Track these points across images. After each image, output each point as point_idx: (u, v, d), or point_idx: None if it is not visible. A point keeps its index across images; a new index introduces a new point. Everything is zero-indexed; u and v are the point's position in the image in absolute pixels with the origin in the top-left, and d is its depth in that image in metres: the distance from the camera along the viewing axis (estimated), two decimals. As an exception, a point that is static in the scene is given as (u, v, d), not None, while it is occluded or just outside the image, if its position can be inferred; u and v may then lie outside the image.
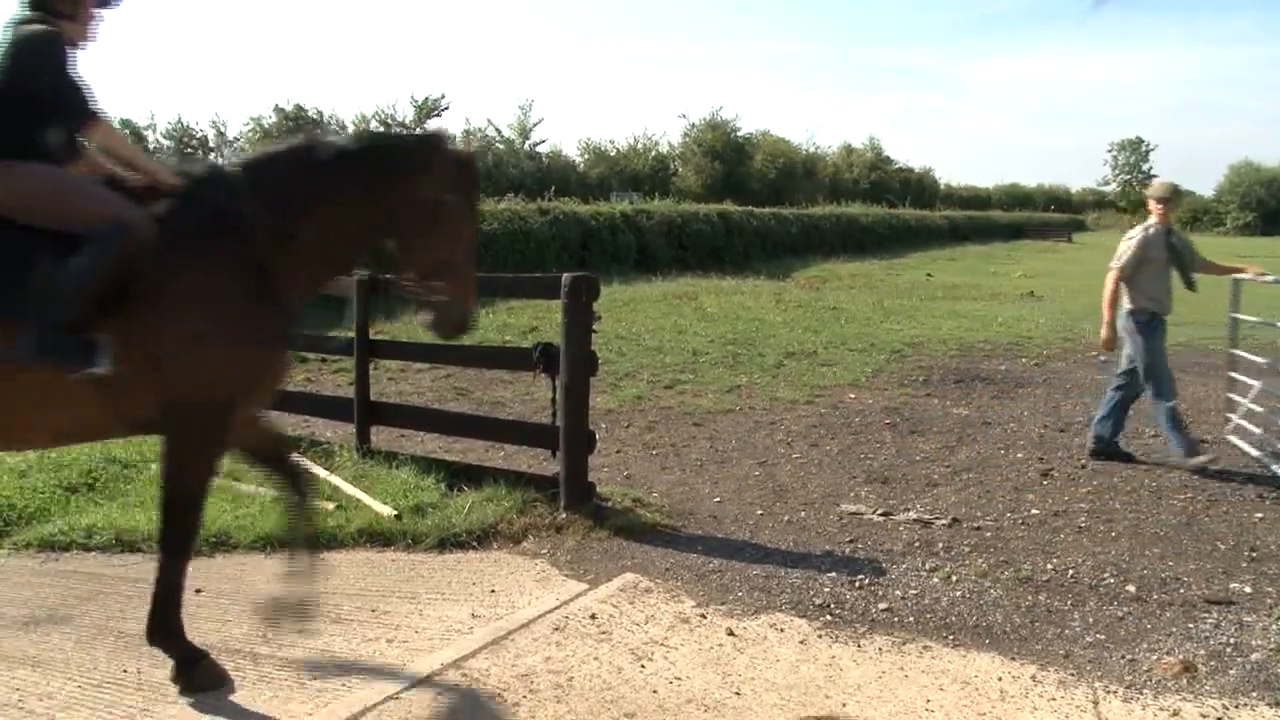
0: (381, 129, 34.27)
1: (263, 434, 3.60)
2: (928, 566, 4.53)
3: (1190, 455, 6.08)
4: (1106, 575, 4.43)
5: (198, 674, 3.31)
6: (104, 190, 3.24)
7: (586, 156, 42.56)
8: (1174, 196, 6.52)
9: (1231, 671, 3.51)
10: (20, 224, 3.04)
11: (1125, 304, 6.28)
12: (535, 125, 39.44)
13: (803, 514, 5.31)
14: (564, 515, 5.06)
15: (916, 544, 4.84)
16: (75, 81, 3.19)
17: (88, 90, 3.22)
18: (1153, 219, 6.37)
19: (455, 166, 3.54)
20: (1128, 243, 6.31)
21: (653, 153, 43.92)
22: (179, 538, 3.33)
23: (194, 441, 3.27)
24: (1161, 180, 6.97)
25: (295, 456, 3.88)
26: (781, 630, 3.84)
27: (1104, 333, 6.39)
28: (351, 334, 6.34)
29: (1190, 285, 6.43)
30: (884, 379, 9.35)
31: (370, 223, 3.48)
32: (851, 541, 4.88)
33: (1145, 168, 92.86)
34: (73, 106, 3.19)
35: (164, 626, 3.32)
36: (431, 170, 3.45)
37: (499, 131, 38.27)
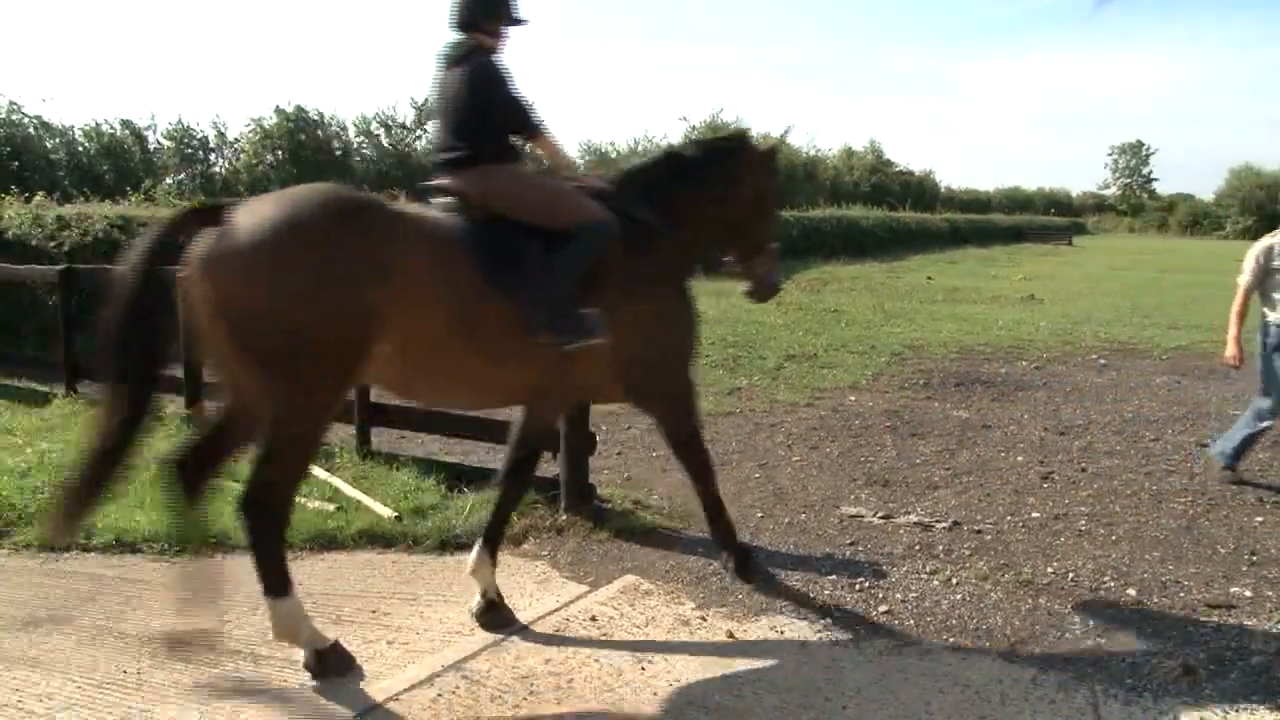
0: (381, 130, 34.29)
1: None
2: (928, 569, 4.53)
3: (1228, 467, 5.96)
4: (1107, 579, 4.43)
5: (752, 568, 4.33)
6: (580, 194, 3.86)
7: (587, 159, 42.57)
8: None
9: (1232, 675, 3.51)
10: (510, 221, 3.62)
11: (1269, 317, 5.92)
12: (536, 127, 39.44)
13: (803, 516, 5.31)
14: (564, 517, 5.06)
15: (917, 547, 4.84)
16: (523, 98, 3.80)
17: (532, 105, 3.82)
18: None
19: (766, 158, 4.35)
20: (1250, 254, 5.95)
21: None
22: (701, 463, 4.24)
23: (668, 392, 4.09)
24: None
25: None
26: (782, 632, 3.84)
27: (1229, 350, 6.16)
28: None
29: None
30: (884, 382, 9.35)
31: (724, 216, 4.22)
32: (852, 544, 4.88)
33: (1145, 171, 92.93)
34: (524, 120, 3.82)
35: (726, 534, 4.33)
36: (755, 164, 4.27)
37: (500, 133, 38.23)
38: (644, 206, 3.95)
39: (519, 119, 3.80)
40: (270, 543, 3.32)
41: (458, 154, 3.71)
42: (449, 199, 3.73)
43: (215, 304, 3.10)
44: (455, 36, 3.80)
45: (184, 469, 3.45)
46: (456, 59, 3.78)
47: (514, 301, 3.49)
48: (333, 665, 3.37)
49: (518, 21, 3.88)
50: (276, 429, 3.23)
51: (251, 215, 3.13)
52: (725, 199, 4.17)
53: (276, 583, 3.31)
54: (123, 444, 3.15)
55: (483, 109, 3.70)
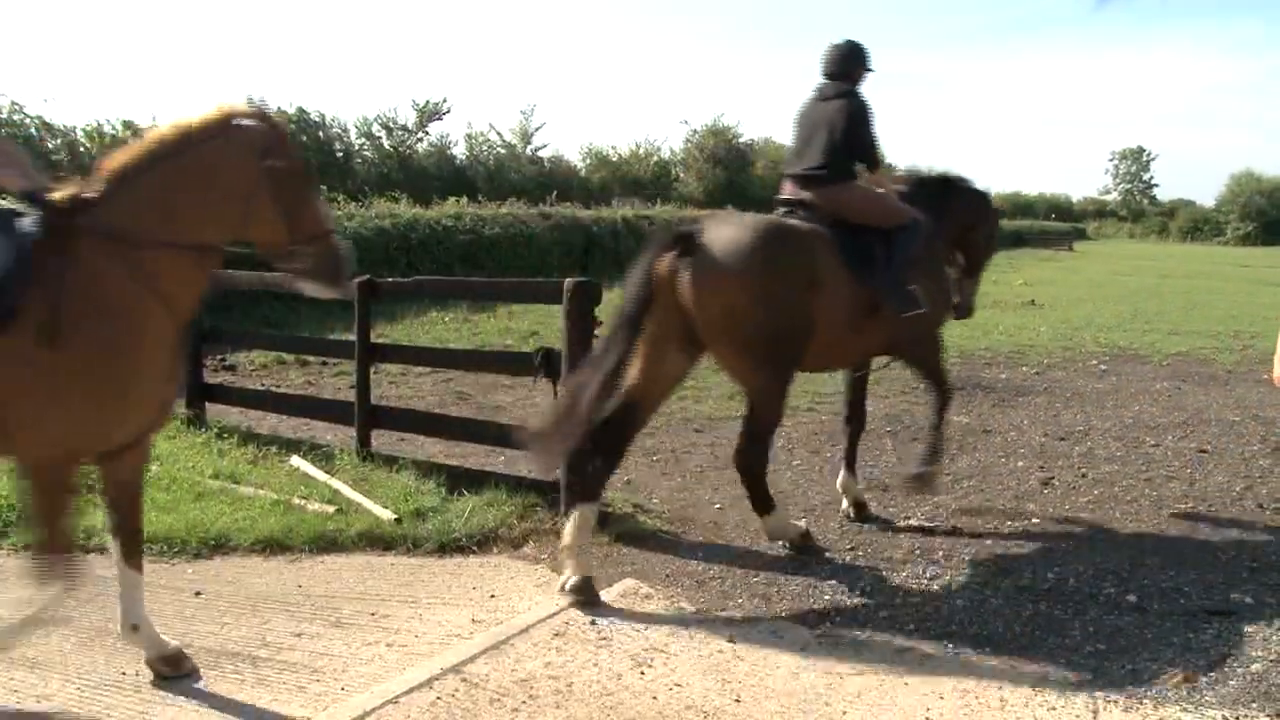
0: (382, 132, 34.29)
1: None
2: (928, 574, 4.52)
3: None
4: (1107, 585, 4.42)
5: (928, 485, 5.29)
6: (899, 200, 4.97)
7: (588, 162, 42.55)
8: None
9: (1232, 682, 3.50)
10: (856, 224, 4.72)
11: None
12: (537, 130, 39.43)
13: (803, 521, 5.30)
14: (565, 520, 5.04)
15: (917, 552, 4.84)
16: (877, 136, 4.91)
17: (879, 142, 4.94)
18: None
19: (995, 214, 5.88)
20: None
21: (654, 159, 43.87)
22: (945, 397, 5.34)
23: (936, 347, 5.30)
24: None
25: None
26: (781, 637, 3.84)
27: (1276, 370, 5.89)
28: (353, 337, 6.33)
29: None
30: (884, 386, 9.33)
31: (968, 238, 5.50)
32: (852, 549, 4.88)
33: (1146, 177, 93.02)
34: (874, 154, 4.93)
35: (933, 451, 5.31)
36: (993, 213, 5.81)
37: (501, 136, 38.25)
38: (931, 210, 5.02)
39: (871, 152, 4.91)
40: (762, 474, 4.68)
41: (820, 171, 4.77)
42: (798, 206, 4.85)
43: (710, 306, 4.21)
44: (827, 80, 4.97)
45: (602, 438, 4.29)
46: (831, 96, 4.87)
47: (870, 286, 4.64)
48: (810, 549, 4.75)
49: (871, 71, 5.04)
50: (757, 396, 4.55)
51: (726, 240, 4.29)
52: (974, 225, 5.48)
53: (763, 503, 4.72)
54: (598, 405, 4.11)
55: (849, 139, 4.76)
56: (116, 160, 3.20)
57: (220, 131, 3.26)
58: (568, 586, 4.10)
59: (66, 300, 2.97)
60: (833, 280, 4.49)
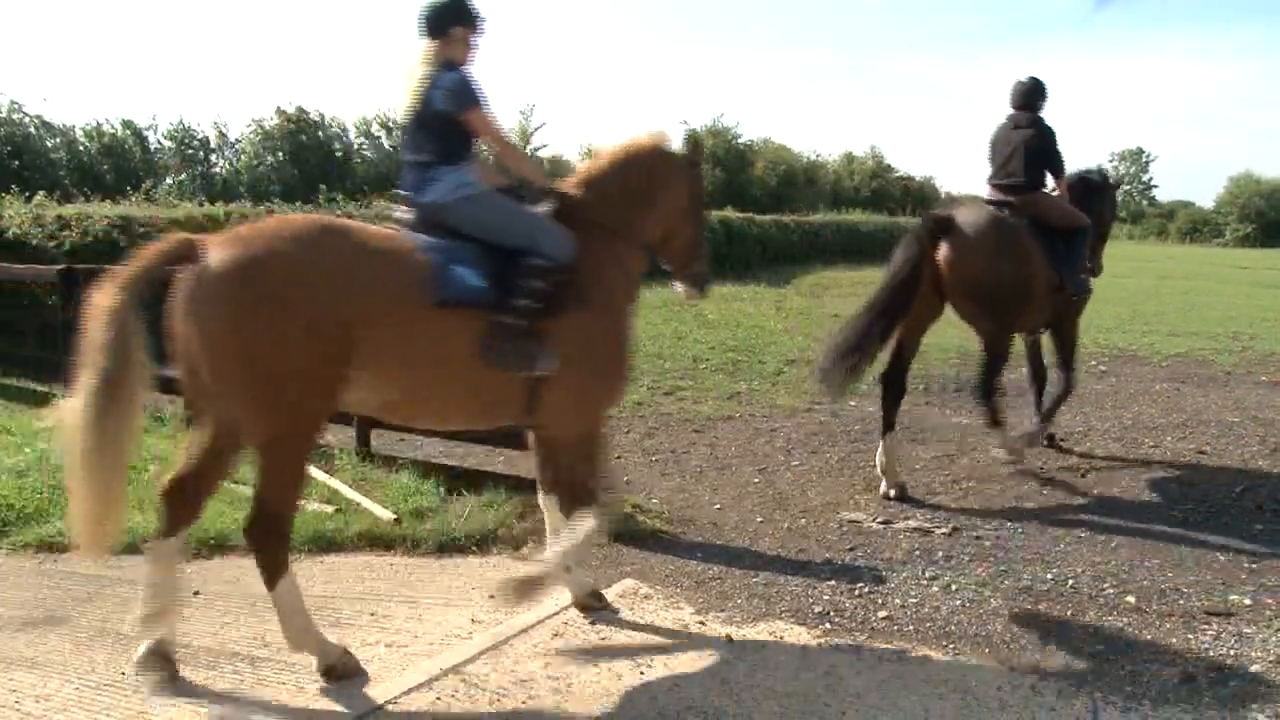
0: (381, 132, 34.30)
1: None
2: (927, 575, 4.53)
3: None
4: (1106, 586, 4.43)
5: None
6: (1072, 206, 6.42)
7: (586, 162, 42.58)
8: None
9: (1231, 683, 3.51)
10: (1045, 223, 6.19)
11: None
12: (537, 129, 39.43)
13: (802, 521, 5.30)
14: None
15: (916, 552, 4.84)
16: (1060, 152, 6.42)
17: (1062, 157, 6.45)
18: None
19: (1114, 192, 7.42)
20: None
21: (654, 159, 43.87)
22: (1072, 362, 6.77)
23: (1075, 326, 6.77)
24: None
25: None
26: (781, 638, 3.84)
27: None
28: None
29: None
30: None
31: (1096, 221, 6.73)
32: (851, 549, 4.88)
33: (1145, 178, 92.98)
34: (1061, 168, 6.41)
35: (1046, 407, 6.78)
36: (1109, 189, 7.19)
37: (501, 136, 38.24)
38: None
39: (1057, 165, 6.27)
40: (994, 398, 6.02)
41: (1020, 181, 6.12)
42: (1004, 206, 6.10)
43: (960, 271, 5.66)
44: (1016, 110, 6.30)
45: (890, 378, 5.97)
46: (1022, 125, 6.21)
47: (1056, 269, 6.01)
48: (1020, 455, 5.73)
49: (1047, 101, 6.36)
50: (990, 339, 5.93)
51: (973, 225, 5.77)
52: (1103, 208, 6.89)
53: (995, 422, 6.14)
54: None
55: (1040, 156, 6.15)
56: (588, 169, 4.04)
57: (663, 155, 4.08)
58: (892, 495, 5.65)
59: (591, 281, 3.68)
60: (1037, 262, 5.89)
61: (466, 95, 3.64)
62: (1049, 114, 6.31)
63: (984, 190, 6.44)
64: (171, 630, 3.38)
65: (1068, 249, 6.15)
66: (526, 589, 3.56)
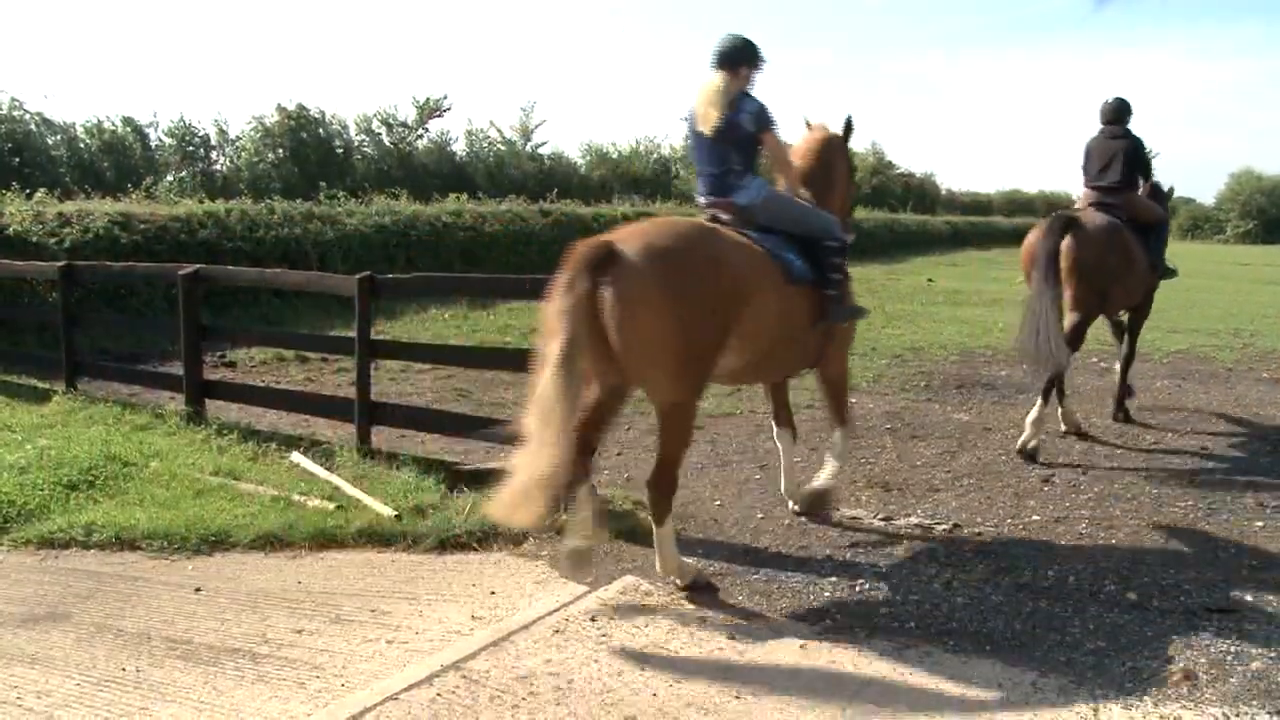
0: (382, 128, 34.26)
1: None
2: (928, 572, 4.52)
3: None
4: (1107, 582, 4.42)
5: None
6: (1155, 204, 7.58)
7: (588, 159, 42.47)
8: None
9: (1232, 680, 3.50)
10: (1137, 221, 7.25)
11: None
12: (537, 127, 39.32)
13: (803, 518, 5.30)
14: (565, 517, 5.04)
15: (917, 549, 4.83)
16: (1148, 160, 7.64)
17: (1150, 164, 7.63)
18: None
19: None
20: None
21: (654, 155, 43.80)
22: (1137, 336, 8.04)
23: (1148, 306, 7.87)
24: None
25: None
26: (782, 634, 3.83)
27: None
28: (353, 333, 6.33)
29: None
30: (885, 384, 9.35)
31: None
32: (852, 546, 4.88)
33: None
34: (1150, 172, 7.66)
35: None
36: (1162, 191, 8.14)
37: (501, 133, 38.17)
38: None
39: (1146, 171, 7.40)
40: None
41: (1118, 184, 7.12)
42: (1107, 207, 7.02)
43: (1083, 262, 6.58)
44: (1109, 125, 7.37)
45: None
46: (1117, 136, 7.26)
47: (1149, 256, 7.16)
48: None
49: (1133, 116, 7.42)
50: (1078, 309, 6.71)
51: (1096, 226, 6.75)
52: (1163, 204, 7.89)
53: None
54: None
55: (1133, 164, 7.19)
56: (800, 169, 4.94)
57: (835, 140, 5.22)
58: (1028, 447, 6.60)
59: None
60: (1137, 251, 6.93)
61: (766, 119, 4.52)
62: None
63: (1081, 191, 7.53)
64: (596, 534, 4.28)
65: (1156, 240, 7.36)
66: (821, 500, 5.20)
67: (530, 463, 3.58)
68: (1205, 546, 4.93)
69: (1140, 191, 7.35)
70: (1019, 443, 6.65)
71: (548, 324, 3.78)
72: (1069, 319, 6.69)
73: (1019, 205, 71.89)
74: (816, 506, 5.17)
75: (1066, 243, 6.61)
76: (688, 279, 3.79)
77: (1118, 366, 7.98)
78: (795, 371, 5.05)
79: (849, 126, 5.28)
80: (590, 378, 4.03)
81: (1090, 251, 6.63)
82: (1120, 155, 7.21)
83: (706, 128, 4.50)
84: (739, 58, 4.56)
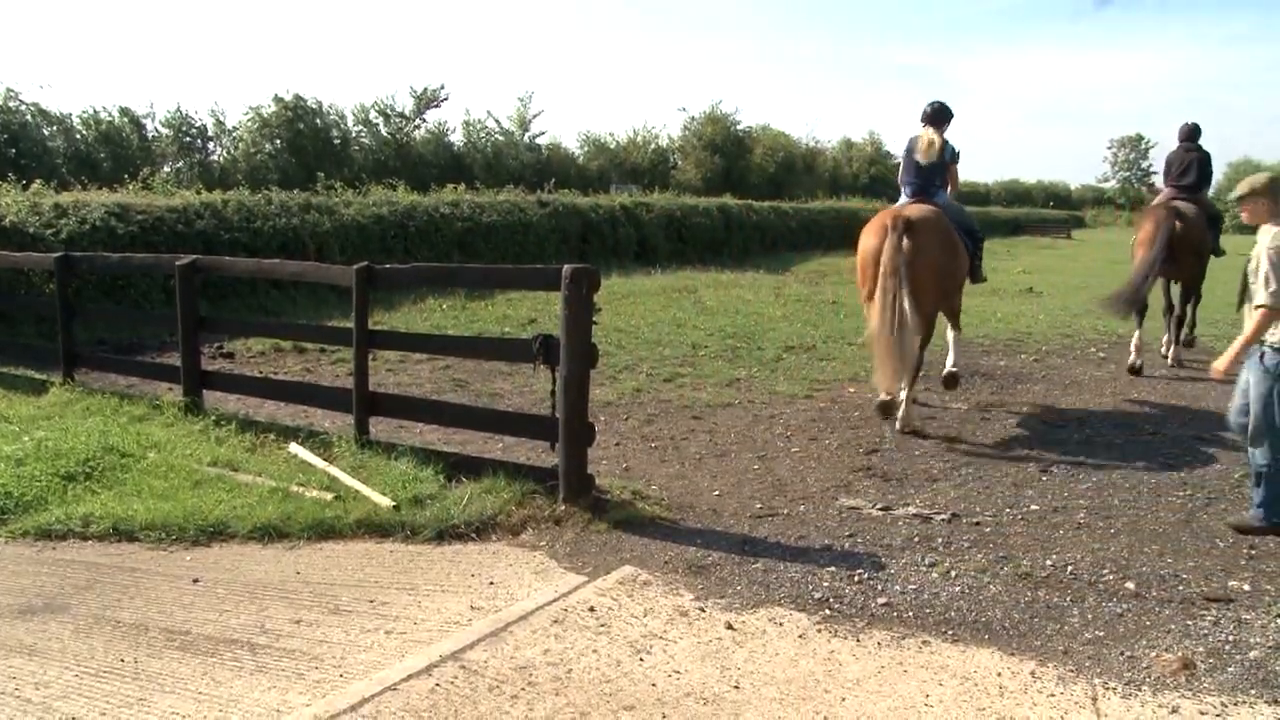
0: (380, 119, 34.18)
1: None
2: (927, 561, 4.52)
3: (1260, 521, 4.97)
4: (1105, 572, 4.43)
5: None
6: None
7: (586, 149, 42.40)
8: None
9: (1230, 669, 3.51)
10: (1204, 217, 9.78)
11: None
12: (535, 117, 39.26)
13: (802, 508, 5.30)
14: (563, 507, 5.05)
15: (916, 539, 4.84)
16: (1213, 169, 10.42)
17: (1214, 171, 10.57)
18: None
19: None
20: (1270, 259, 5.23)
21: (652, 146, 43.73)
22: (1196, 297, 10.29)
23: (1202, 276, 9.95)
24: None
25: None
26: (780, 624, 3.84)
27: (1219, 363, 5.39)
28: (350, 324, 6.31)
29: None
30: (883, 374, 9.32)
31: None
32: (850, 536, 4.88)
33: (1145, 165, 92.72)
34: (1211, 177, 10.35)
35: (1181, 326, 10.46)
36: None
37: (498, 123, 38.09)
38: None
39: (1211, 178, 9.86)
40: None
41: (1194, 183, 9.63)
42: (1189, 205, 9.33)
43: (1185, 238, 9.03)
44: (1186, 141, 9.87)
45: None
46: (1192, 150, 9.75)
47: (1214, 241, 9.70)
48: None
49: (1202, 134, 9.97)
50: (1193, 281, 9.80)
51: (1191, 215, 9.25)
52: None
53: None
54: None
55: (1206, 171, 9.72)
56: (927, 163, 7.53)
57: (955, 174, 7.87)
58: (1138, 365, 9.38)
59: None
60: (1208, 235, 9.44)
61: (956, 156, 7.63)
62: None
63: (1164, 190, 9.94)
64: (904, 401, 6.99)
65: (1214, 227, 9.78)
66: (954, 378, 8.00)
67: (881, 366, 6.48)
68: (1203, 536, 4.93)
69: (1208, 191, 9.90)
70: (1128, 364, 9.34)
71: (865, 267, 6.93)
72: (1182, 280, 9.70)
73: (1017, 195, 71.78)
74: (951, 384, 7.97)
75: (1178, 228, 8.96)
76: (950, 237, 7.07)
77: (1174, 330, 10.12)
78: (956, 303, 7.76)
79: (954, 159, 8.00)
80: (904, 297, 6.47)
81: (1192, 233, 9.11)
82: (1195, 164, 9.76)
83: (924, 159, 7.44)
84: (945, 117, 7.67)
